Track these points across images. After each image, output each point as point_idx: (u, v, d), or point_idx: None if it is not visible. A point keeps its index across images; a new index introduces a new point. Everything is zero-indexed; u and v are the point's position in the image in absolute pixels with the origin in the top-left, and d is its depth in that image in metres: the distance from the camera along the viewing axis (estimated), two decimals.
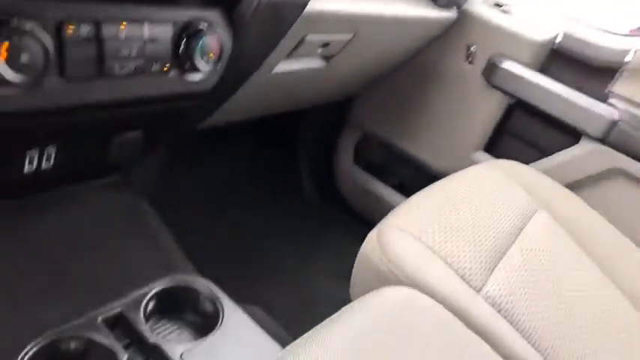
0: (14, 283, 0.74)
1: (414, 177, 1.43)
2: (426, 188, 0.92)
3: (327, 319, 0.59)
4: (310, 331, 0.55)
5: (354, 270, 0.80)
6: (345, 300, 1.27)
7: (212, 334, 0.71)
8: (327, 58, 0.98)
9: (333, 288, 1.33)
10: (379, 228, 0.78)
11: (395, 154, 1.44)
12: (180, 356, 0.67)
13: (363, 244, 0.78)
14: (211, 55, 0.65)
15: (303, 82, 1.03)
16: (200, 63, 0.64)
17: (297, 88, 1.03)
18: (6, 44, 0.46)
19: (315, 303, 1.27)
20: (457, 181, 0.94)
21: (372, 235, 0.77)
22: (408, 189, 1.43)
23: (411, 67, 1.33)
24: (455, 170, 0.99)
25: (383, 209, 1.41)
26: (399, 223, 0.78)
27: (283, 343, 0.77)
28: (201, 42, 0.63)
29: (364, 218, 1.47)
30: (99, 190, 0.90)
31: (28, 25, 0.48)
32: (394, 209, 0.85)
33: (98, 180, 0.84)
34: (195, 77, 0.67)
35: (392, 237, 0.74)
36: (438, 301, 0.65)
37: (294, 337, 0.89)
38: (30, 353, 0.62)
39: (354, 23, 0.91)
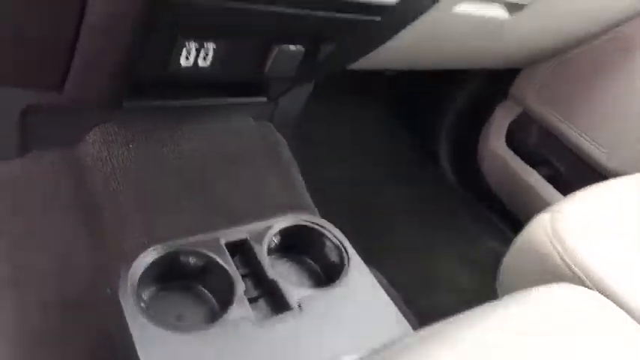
0: (147, 188, 0.72)
1: (574, 171, 1.22)
2: (605, 181, 0.75)
3: (480, 307, 0.47)
4: (452, 321, 0.43)
5: (507, 257, 0.68)
6: (465, 289, 1.16)
7: (335, 285, 0.64)
8: (512, 8, 0.84)
9: (454, 274, 1.21)
10: (553, 212, 0.64)
11: (554, 141, 1.24)
12: (298, 303, 0.60)
13: (528, 228, 0.65)
14: None
15: (479, 33, 0.89)
16: None
17: (469, 39, 0.90)
18: None
19: (432, 287, 1.15)
20: None
21: (542, 218, 0.64)
22: (563, 184, 1.23)
23: (602, 42, 1.11)
24: (632, 172, 0.80)
25: (532, 202, 1.24)
26: (580, 211, 0.63)
27: (407, 318, 0.67)
28: None
29: (505, 208, 1.31)
30: (243, 114, 0.87)
31: None
32: (569, 196, 0.70)
33: (245, 98, 0.79)
34: None
35: (573, 227, 0.60)
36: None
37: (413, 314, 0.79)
38: (150, 258, 0.59)
39: None
